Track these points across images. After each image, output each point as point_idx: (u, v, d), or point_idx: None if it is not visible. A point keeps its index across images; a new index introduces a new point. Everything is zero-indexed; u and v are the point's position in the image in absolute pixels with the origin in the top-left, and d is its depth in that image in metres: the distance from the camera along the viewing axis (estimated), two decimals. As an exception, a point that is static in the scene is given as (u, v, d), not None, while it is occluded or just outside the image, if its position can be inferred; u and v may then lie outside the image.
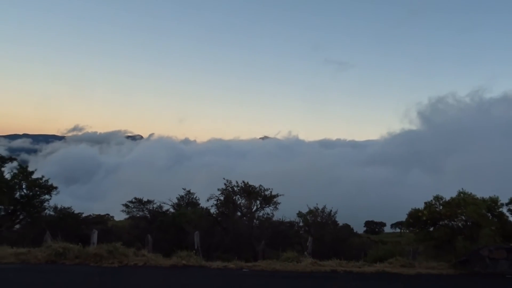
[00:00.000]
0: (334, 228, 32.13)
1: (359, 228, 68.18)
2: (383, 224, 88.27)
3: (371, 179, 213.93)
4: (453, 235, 17.32)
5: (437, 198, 18.00)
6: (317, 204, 31.62)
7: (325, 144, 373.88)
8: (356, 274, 12.79)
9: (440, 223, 17.98)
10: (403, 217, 20.43)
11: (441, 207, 17.62)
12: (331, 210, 31.83)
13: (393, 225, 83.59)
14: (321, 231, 30.06)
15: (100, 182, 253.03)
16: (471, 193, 17.67)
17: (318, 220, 31.33)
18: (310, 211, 31.30)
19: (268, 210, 29.91)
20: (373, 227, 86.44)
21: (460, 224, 17.57)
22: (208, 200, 29.82)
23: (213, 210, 29.82)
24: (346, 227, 39.42)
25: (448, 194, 17.97)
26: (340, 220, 34.01)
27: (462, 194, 17.65)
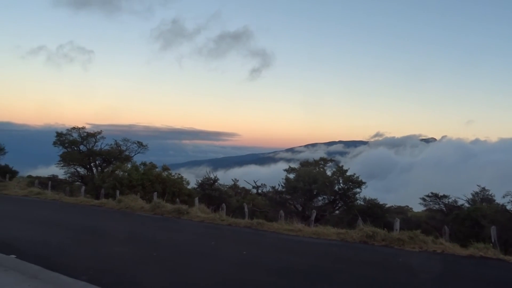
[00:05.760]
0: None
1: None
2: None
3: None
4: None
5: None
6: None
7: None
8: None
9: None
10: None
11: None
12: None
13: None
14: None
15: (394, 178, 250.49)
16: None
17: None
18: None
19: None
20: None
21: None
22: (504, 197, 25.75)
23: (509, 207, 25.58)
24: None
25: None
26: None
27: None
